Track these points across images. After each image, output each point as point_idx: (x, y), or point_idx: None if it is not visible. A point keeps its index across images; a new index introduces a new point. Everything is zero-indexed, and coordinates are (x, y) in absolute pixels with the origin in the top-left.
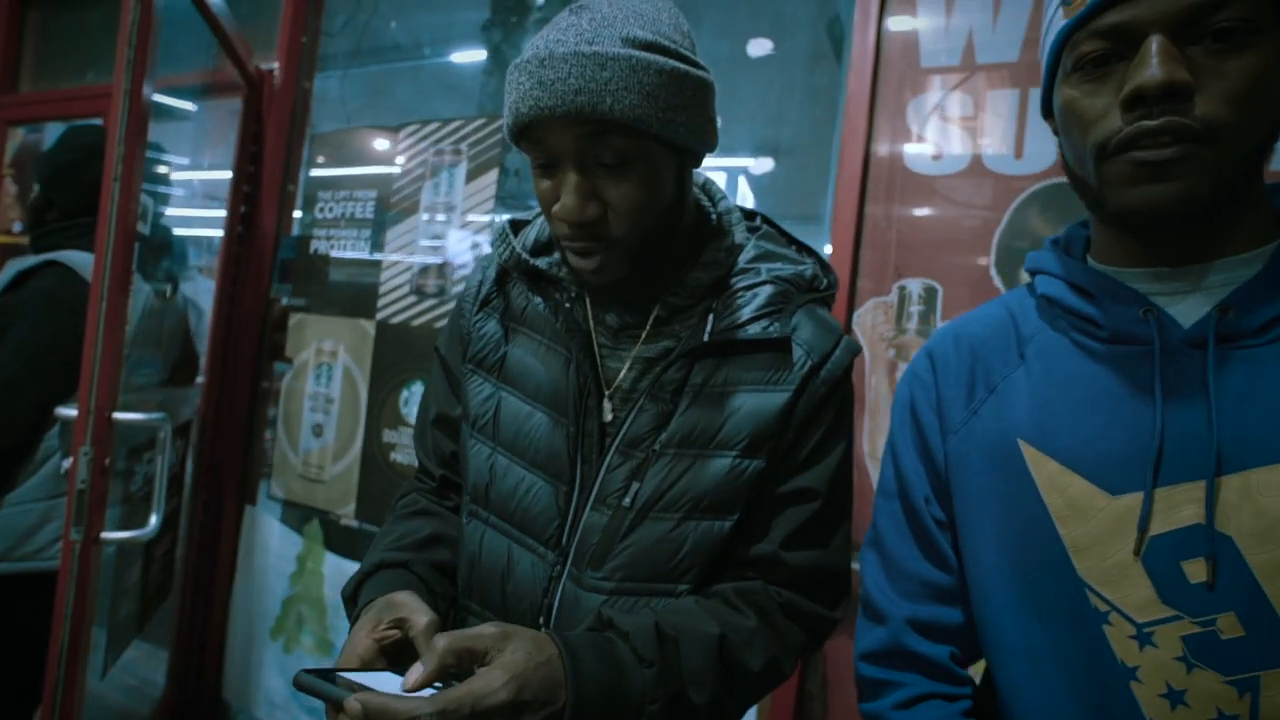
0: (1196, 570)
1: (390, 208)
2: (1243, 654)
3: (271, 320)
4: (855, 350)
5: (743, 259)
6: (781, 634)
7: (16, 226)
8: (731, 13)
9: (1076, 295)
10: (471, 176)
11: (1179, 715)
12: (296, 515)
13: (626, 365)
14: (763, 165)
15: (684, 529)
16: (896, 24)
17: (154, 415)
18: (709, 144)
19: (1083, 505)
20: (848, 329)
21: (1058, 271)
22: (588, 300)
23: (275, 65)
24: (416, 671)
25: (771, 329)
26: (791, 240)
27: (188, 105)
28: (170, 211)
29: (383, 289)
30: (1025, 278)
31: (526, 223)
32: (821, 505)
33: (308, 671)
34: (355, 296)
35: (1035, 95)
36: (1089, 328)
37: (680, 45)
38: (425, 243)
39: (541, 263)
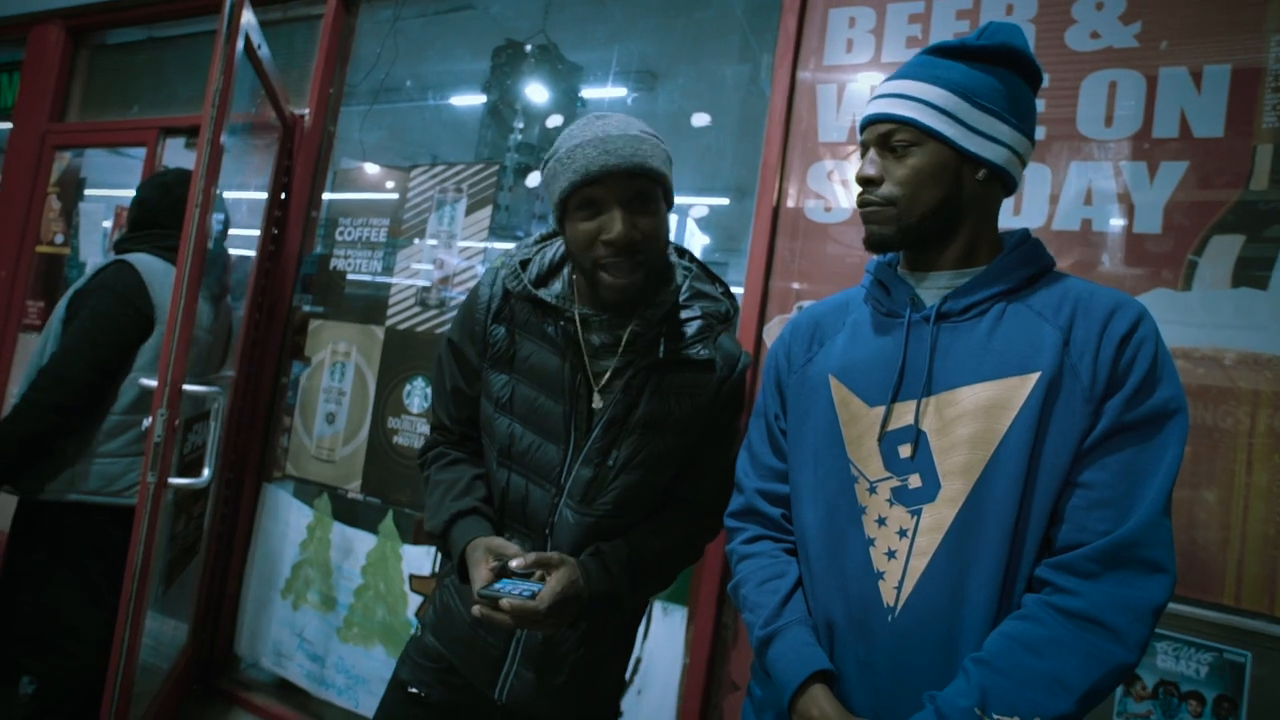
0: (905, 450)
1: (399, 234)
2: (918, 496)
3: (293, 324)
4: (749, 362)
5: (682, 297)
6: (693, 539)
7: (58, 239)
8: (681, 92)
9: (877, 286)
10: (470, 210)
11: (881, 531)
12: (309, 491)
13: (607, 372)
14: (700, 210)
15: (645, 479)
16: (801, 106)
17: (212, 388)
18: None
19: (855, 413)
20: (759, 339)
21: (874, 271)
22: (578, 323)
23: (306, 111)
24: (525, 559)
25: (703, 353)
26: (712, 277)
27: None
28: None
29: (391, 300)
30: None
31: (529, 260)
32: (728, 459)
33: (481, 593)
34: (367, 306)
35: None
36: (879, 306)
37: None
38: (427, 265)
39: (544, 294)
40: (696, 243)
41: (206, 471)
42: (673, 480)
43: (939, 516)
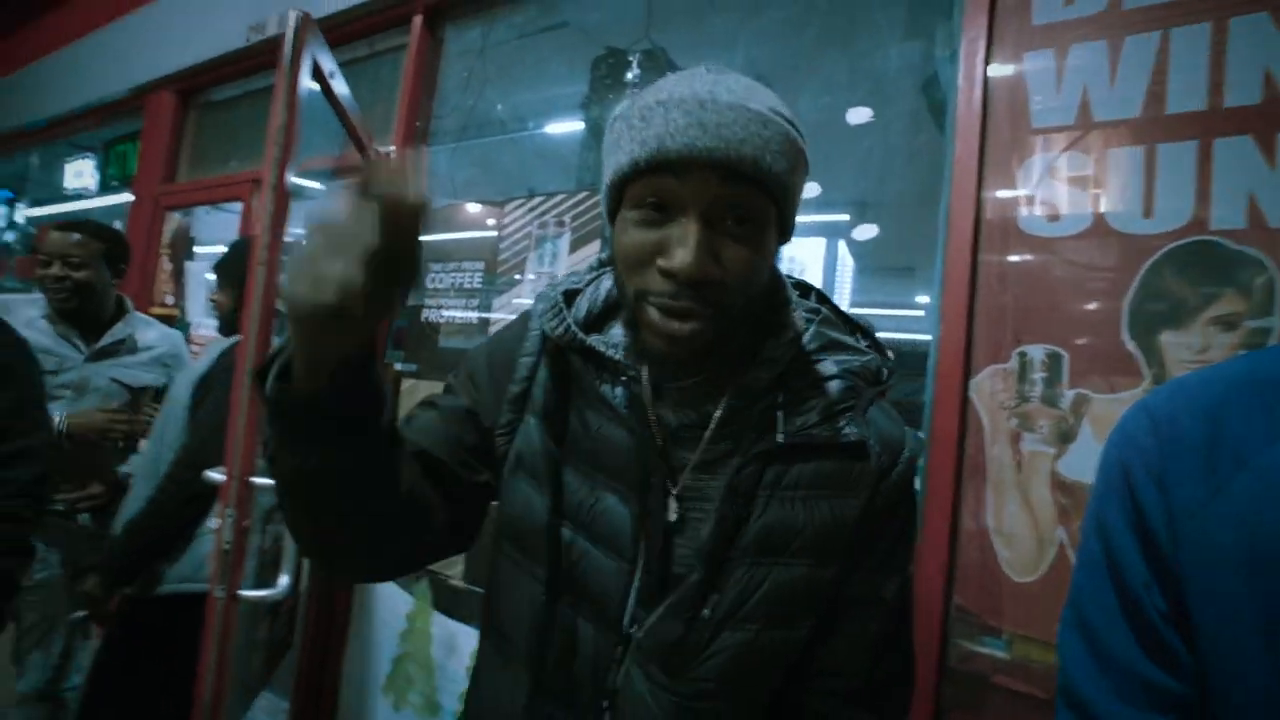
0: None
1: (496, 276)
2: None
3: None
4: (922, 447)
5: (805, 346)
6: None
7: (168, 299)
8: (827, 85)
9: None
10: (575, 247)
11: None
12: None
13: (689, 466)
14: (865, 231)
15: (762, 638)
16: (1002, 82)
17: None
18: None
19: None
20: (964, 398)
21: None
22: (645, 386)
23: (391, 148)
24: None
25: (849, 431)
26: (851, 324)
27: (318, 185)
28: None
29: None
30: (1166, 340)
31: (578, 292)
32: (894, 609)
33: None
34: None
35: (1165, 150)
36: None
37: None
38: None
39: (596, 343)
40: (846, 276)
41: (283, 579)
42: (808, 642)
43: None
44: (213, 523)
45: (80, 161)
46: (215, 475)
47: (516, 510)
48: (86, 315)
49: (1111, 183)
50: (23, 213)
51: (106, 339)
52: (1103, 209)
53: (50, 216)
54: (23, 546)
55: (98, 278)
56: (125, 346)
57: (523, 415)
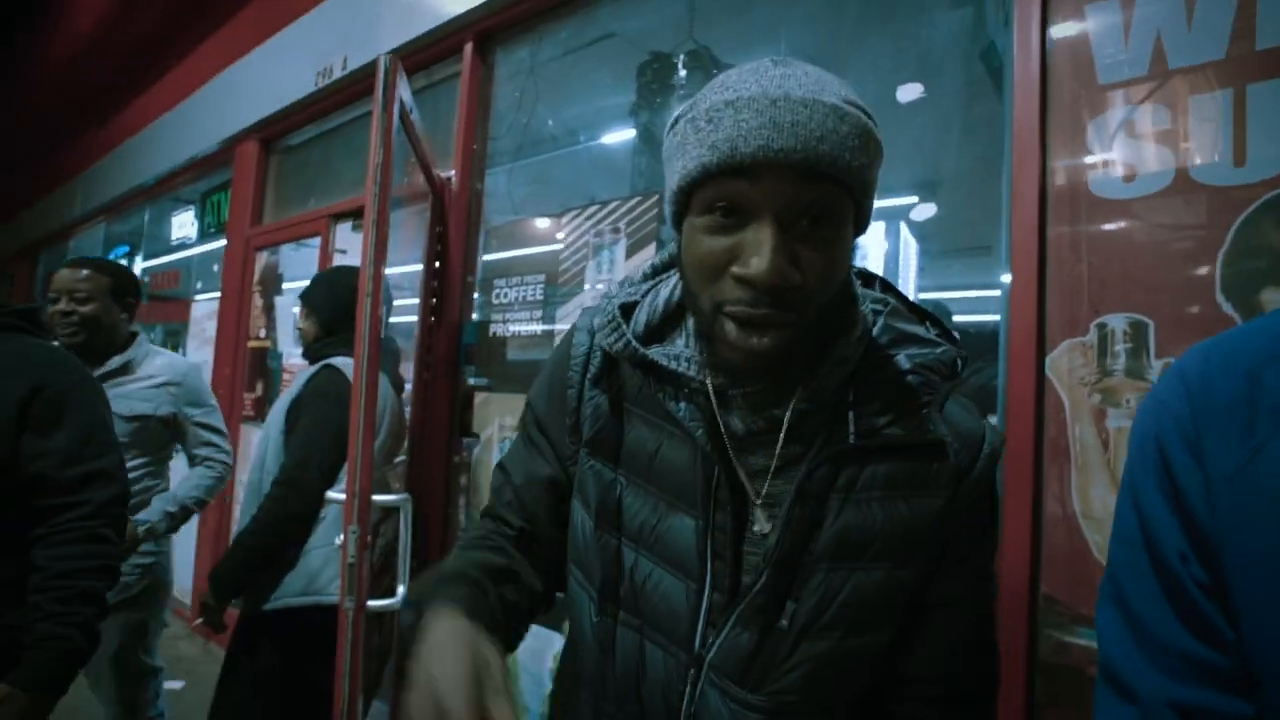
0: None
1: (558, 287)
2: None
3: (459, 400)
4: (1002, 440)
5: (875, 341)
6: None
7: (261, 333)
8: (874, 67)
9: None
10: (631, 252)
11: None
12: None
13: (770, 473)
14: (923, 210)
15: (845, 646)
16: (1063, 40)
17: (400, 495)
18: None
19: None
20: (1039, 376)
21: None
22: (713, 396)
23: (451, 172)
24: None
25: (927, 430)
26: (920, 313)
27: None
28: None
29: None
30: (1269, 299)
31: (635, 304)
32: (978, 608)
33: None
34: (532, 374)
35: (1256, 91)
36: None
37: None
38: None
39: (658, 356)
40: (911, 260)
41: (400, 589)
42: (891, 647)
43: None
44: (336, 539)
45: (183, 214)
46: (335, 495)
47: (574, 534)
48: (94, 349)
49: (1195, 133)
50: (139, 265)
51: (102, 369)
52: (1185, 163)
53: (161, 267)
54: (111, 565)
55: (104, 311)
56: (123, 375)
57: (580, 445)
